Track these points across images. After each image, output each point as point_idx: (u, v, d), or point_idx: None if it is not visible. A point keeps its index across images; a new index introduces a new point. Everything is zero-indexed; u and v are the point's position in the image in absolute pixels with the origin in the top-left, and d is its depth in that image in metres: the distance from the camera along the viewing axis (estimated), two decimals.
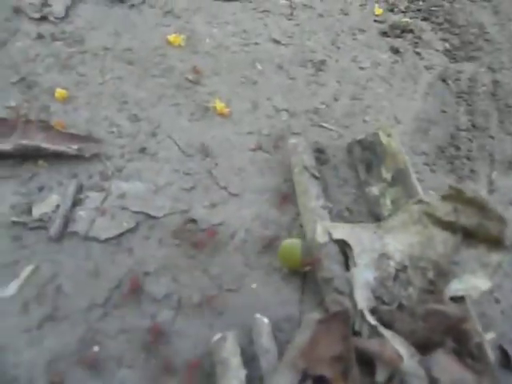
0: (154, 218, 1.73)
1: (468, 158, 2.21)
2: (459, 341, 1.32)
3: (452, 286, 1.40)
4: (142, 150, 1.93)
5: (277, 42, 2.52)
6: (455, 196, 1.50)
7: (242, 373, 1.35)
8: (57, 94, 2.03)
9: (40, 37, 2.33)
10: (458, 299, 1.40)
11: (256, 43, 2.49)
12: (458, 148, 2.25)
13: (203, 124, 2.07)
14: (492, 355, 1.33)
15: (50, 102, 2.04)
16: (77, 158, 1.85)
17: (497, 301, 1.71)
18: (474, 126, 2.39)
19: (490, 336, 1.40)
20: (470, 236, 1.46)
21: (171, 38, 2.36)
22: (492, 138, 2.35)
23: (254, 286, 1.61)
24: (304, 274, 1.63)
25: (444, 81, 2.55)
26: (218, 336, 1.43)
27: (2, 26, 2.37)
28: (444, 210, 1.50)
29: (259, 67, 2.37)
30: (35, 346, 1.44)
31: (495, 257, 1.41)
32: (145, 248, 1.66)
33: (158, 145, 1.96)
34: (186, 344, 1.47)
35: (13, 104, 2.02)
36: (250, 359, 1.42)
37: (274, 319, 1.52)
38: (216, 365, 1.38)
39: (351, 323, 1.40)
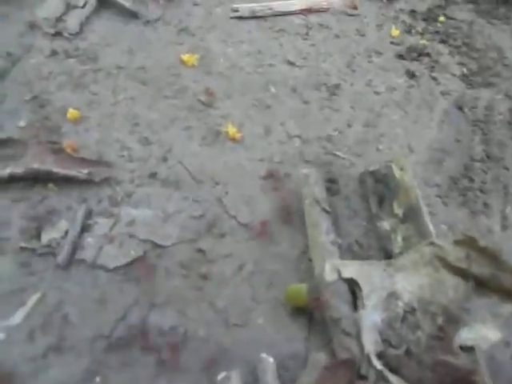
0: (161, 246, 1.73)
1: (481, 191, 2.18)
2: None
3: (462, 335, 1.38)
4: (153, 176, 1.92)
5: (291, 63, 2.50)
6: (468, 242, 1.47)
7: None
8: (69, 115, 2.03)
9: (54, 53, 2.34)
10: (467, 348, 1.38)
11: (270, 64, 2.47)
12: (471, 180, 2.21)
13: (214, 149, 2.06)
14: None
15: (61, 122, 2.04)
16: (87, 182, 1.85)
17: (507, 344, 1.69)
18: (488, 156, 2.35)
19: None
20: (481, 285, 1.44)
21: (185, 57, 2.35)
22: (507, 169, 2.31)
23: (260, 321, 1.60)
24: (311, 312, 1.62)
25: (460, 108, 2.51)
26: (222, 375, 1.42)
27: (16, 41, 2.38)
28: (456, 256, 1.47)
29: (273, 90, 2.35)
30: (40, 375, 1.45)
31: (507, 308, 1.38)
32: (155, 281, 1.65)
33: (169, 170, 1.95)
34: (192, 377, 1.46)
35: (24, 124, 2.02)
36: None
37: (280, 356, 1.50)
38: None
39: (357, 367, 1.38)
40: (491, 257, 1.43)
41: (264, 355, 1.46)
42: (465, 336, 1.38)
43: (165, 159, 1.98)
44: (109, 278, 1.63)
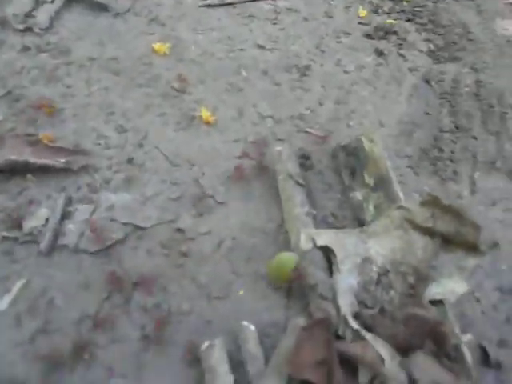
0: (142, 228, 1.77)
1: (451, 160, 2.25)
2: (437, 343, 1.37)
3: (431, 290, 1.45)
4: (130, 161, 1.96)
5: (262, 47, 2.55)
6: (433, 202, 1.54)
7: (230, 379, 1.39)
8: (43, 104, 2.05)
9: (25, 49, 2.36)
10: (436, 302, 1.45)
11: (241, 49, 2.52)
12: (441, 150, 2.28)
13: (189, 133, 2.11)
14: (469, 356, 1.38)
15: (36, 115, 2.07)
16: (65, 171, 1.88)
17: (477, 300, 1.77)
18: (457, 127, 2.43)
19: (467, 338, 1.45)
20: (447, 241, 1.51)
21: (156, 46, 2.39)
22: (475, 138, 2.39)
23: (241, 293, 1.66)
24: (290, 282, 1.68)
25: (428, 82, 2.59)
26: (206, 344, 1.48)
27: None
28: (423, 216, 1.54)
29: (244, 74, 2.40)
30: (29, 358, 1.48)
31: (471, 261, 1.46)
32: (134, 258, 1.70)
33: (146, 155, 2.00)
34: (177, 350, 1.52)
35: (0, 118, 2.05)
36: (237, 365, 1.46)
37: (261, 325, 1.56)
38: (205, 372, 1.43)
39: (335, 328, 1.44)
40: (454, 214, 1.51)
41: (245, 323, 1.52)
42: (434, 291, 1.45)
43: (141, 145, 2.02)
44: (91, 261, 1.68)
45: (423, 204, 1.55)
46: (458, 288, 1.44)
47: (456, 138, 2.37)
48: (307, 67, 2.48)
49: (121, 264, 1.67)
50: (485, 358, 1.62)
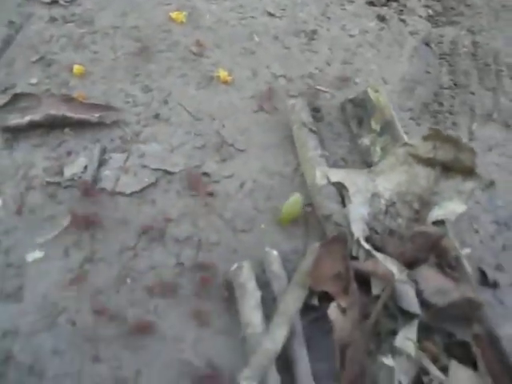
0: (171, 173, 1.96)
1: (450, 113, 2.43)
2: (440, 256, 1.55)
3: (433, 213, 1.64)
4: (156, 116, 2.14)
5: (271, 14, 2.72)
6: (434, 136, 1.72)
7: (258, 294, 1.58)
8: (75, 70, 2.23)
9: (53, 20, 2.53)
10: (439, 223, 1.63)
11: (252, 17, 2.69)
12: (441, 104, 2.46)
13: (209, 91, 2.29)
14: (468, 266, 1.57)
15: (68, 78, 2.25)
16: (99, 125, 2.07)
17: (476, 231, 1.95)
18: (455, 84, 2.60)
19: (465, 251, 1.63)
20: (447, 169, 1.69)
21: (174, 15, 2.56)
22: (473, 94, 2.57)
23: (262, 226, 1.85)
24: (306, 215, 1.86)
25: (427, 44, 2.76)
26: (235, 266, 1.66)
27: (16, 11, 2.56)
28: (425, 149, 1.72)
29: (256, 39, 2.57)
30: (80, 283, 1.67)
31: (469, 184, 1.64)
32: (165, 199, 1.89)
33: (170, 111, 2.18)
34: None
35: (35, 81, 2.23)
36: (263, 285, 1.65)
37: (282, 253, 1.75)
38: (235, 289, 1.62)
39: (349, 249, 1.63)
40: (453, 142, 1.68)
41: (268, 249, 1.72)
42: (436, 213, 1.64)
43: (166, 102, 2.20)
44: (128, 201, 1.87)
45: (425, 138, 1.73)
46: (457, 209, 1.63)
47: (455, 94, 2.54)
48: (314, 32, 2.66)
49: (154, 204, 1.87)
50: (483, 278, 1.82)
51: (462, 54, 2.76)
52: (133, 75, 2.29)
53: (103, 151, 1.99)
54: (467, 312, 1.45)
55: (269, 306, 1.59)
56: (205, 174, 1.97)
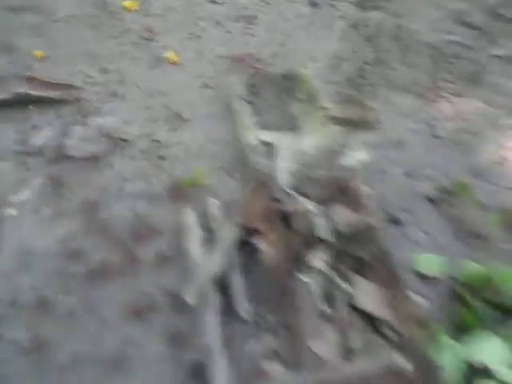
0: (125, 140, 2.27)
1: (371, 85, 2.80)
2: (348, 194, 1.91)
3: (344, 162, 2.00)
4: (113, 94, 2.45)
5: (214, 2, 3.03)
6: (345, 100, 2.08)
7: (200, 233, 1.92)
8: (36, 54, 2.50)
9: (13, 8, 2.78)
10: (348, 169, 2.00)
11: (198, 4, 3.00)
12: (363, 78, 2.82)
13: (159, 72, 2.60)
14: (370, 202, 1.93)
15: (31, 62, 2.52)
16: (60, 102, 2.35)
17: (385, 180, 2.32)
18: (378, 61, 2.97)
19: (368, 191, 1.99)
20: (355, 125, 2.05)
21: (127, 4, 2.85)
22: (393, 69, 2.94)
23: (207, 182, 2.17)
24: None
25: (355, 27, 3.12)
26: (182, 211, 1.98)
27: None
28: (337, 111, 2.08)
29: (201, 24, 2.89)
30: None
31: (370, 137, 2.01)
32: (121, 162, 2.19)
33: (125, 89, 2.48)
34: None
35: None
36: (205, 227, 1.98)
37: (222, 201, 2.08)
38: (182, 230, 1.94)
39: (275, 194, 1.96)
40: (360, 104, 2.05)
41: (210, 198, 2.04)
42: (346, 162, 1.99)
43: (121, 81, 2.50)
44: (89, 165, 2.16)
45: (338, 102, 2.09)
46: (361, 157, 1.99)
47: (377, 70, 2.91)
48: (254, 17, 2.98)
49: (112, 167, 2.17)
50: (388, 217, 2.19)
51: (386, 35, 3.13)
52: (91, 59, 2.58)
53: (66, 125, 2.28)
54: (366, 236, 1.81)
55: (210, 242, 1.93)
56: (156, 141, 2.28)
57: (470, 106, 2.86)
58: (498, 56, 3.19)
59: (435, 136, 2.60)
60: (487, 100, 2.92)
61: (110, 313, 1.78)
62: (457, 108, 2.82)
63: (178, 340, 1.72)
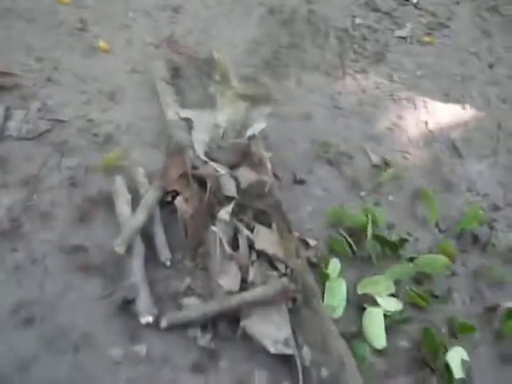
0: (63, 121, 2.57)
1: (285, 66, 3.18)
2: (251, 158, 2.29)
3: (248, 131, 2.38)
4: (49, 80, 2.75)
5: None
6: (248, 80, 2.45)
7: (128, 196, 2.26)
8: None
9: None
10: (252, 138, 2.38)
11: None
12: (278, 60, 3.20)
13: (92, 59, 2.92)
14: (268, 163, 2.32)
15: None
16: (1, 88, 2.62)
17: (294, 149, 2.72)
18: (292, 44, 3.34)
19: (268, 154, 2.38)
20: (255, 100, 2.43)
21: None
22: (305, 52, 3.33)
23: (135, 156, 2.50)
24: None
25: (272, 13, 3.48)
26: (112, 179, 2.31)
27: None
28: (242, 90, 2.45)
29: (131, 15, 3.19)
30: None
31: (266, 109, 2.40)
32: (61, 139, 2.50)
33: (60, 76, 2.79)
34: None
35: None
36: (133, 191, 2.32)
37: (148, 170, 2.42)
38: (112, 195, 2.27)
39: (191, 161, 2.32)
40: (259, 84, 2.43)
41: (137, 167, 2.37)
42: (248, 131, 2.38)
43: (56, 69, 2.80)
44: (30, 144, 2.46)
45: (242, 82, 2.46)
46: (260, 126, 2.38)
47: (291, 52, 3.30)
48: (179, 6, 3.31)
49: (51, 144, 2.47)
50: (294, 178, 2.58)
51: (300, 20, 3.50)
52: (27, 49, 2.86)
53: (7, 109, 2.56)
54: (264, 191, 2.19)
55: (136, 204, 2.27)
56: (90, 120, 2.60)
57: (373, 81, 3.29)
58: (401, 37, 3.65)
59: (338, 108, 3.01)
60: (389, 76, 3.37)
61: (52, 265, 2.11)
62: (360, 83, 3.24)
63: (110, 283, 2.07)
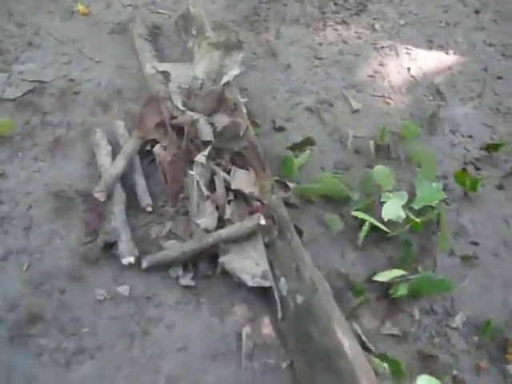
0: (45, 82, 2.63)
1: (265, 20, 3.19)
2: (226, 104, 2.32)
3: (223, 79, 2.41)
4: (30, 44, 2.80)
5: None
6: (218, 27, 2.48)
7: (109, 148, 2.31)
8: None
9: None
10: (227, 85, 2.41)
11: None
12: (258, 15, 3.21)
13: (71, 22, 2.96)
14: (244, 108, 2.36)
15: None
16: None
17: (274, 98, 2.75)
18: None
19: (243, 100, 2.41)
20: (227, 48, 2.45)
21: None
22: (285, 5, 3.32)
23: (115, 109, 2.55)
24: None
25: None
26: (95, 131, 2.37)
27: None
28: (215, 38, 2.47)
29: None
30: None
31: (239, 54, 2.42)
32: (41, 100, 2.56)
33: (41, 39, 2.84)
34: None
35: None
36: (114, 144, 2.37)
37: (129, 124, 2.46)
38: (93, 146, 2.32)
39: (169, 110, 2.35)
40: (228, 29, 2.45)
41: (117, 121, 2.42)
42: (224, 79, 2.41)
43: (37, 33, 2.86)
44: (13, 104, 2.52)
45: (213, 30, 2.48)
46: (234, 72, 2.41)
47: (271, 7, 3.30)
48: None
49: (33, 104, 2.53)
50: (275, 126, 2.61)
51: None
52: (8, 16, 2.91)
53: None
54: (237, 132, 2.23)
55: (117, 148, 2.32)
56: (71, 80, 2.65)
57: (354, 32, 3.28)
58: None
59: (318, 58, 3.02)
60: (371, 26, 3.36)
61: (37, 215, 2.18)
62: (341, 34, 3.24)
63: (92, 228, 2.14)
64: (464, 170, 2.48)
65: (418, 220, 2.16)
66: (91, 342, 1.85)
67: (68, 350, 1.83)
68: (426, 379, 1.75)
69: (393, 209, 2.15)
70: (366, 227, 2.14)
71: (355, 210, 2.19)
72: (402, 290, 2.01)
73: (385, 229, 2.16)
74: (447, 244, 2.23)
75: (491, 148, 2.71)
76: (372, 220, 2.13)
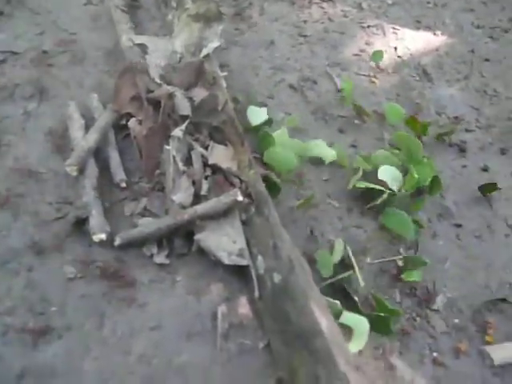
0: (17, 53, 2.52)
1: (251, 4, 3.09)
2: (205, 78, 2.24)
3: (203, 51, 2.33)
4: (1, 13, 2.68)
5: None
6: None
7: (82, 121, 2.21)
8: None
9: None
10: (206, 57, 2.33)
11: None
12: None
13: None
14: (223, 82, 2.27)
15: None
16: None
17: (257, 75, 2.67)
18: None
19: (223, 74, 2.33)
20: (207, 20, 2.36)
21: None
22: None
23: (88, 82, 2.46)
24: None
25: None
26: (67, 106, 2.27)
27: None
28: (194, 9, 2.38)
29: None
30: None
31: (219, 26, 2.34)
32: (14, 71, 2.45)
33: (13, 9, 2.73)
34: None
35: None
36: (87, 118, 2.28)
37: (104, 97, 2.37)
38: (68, 128, 2.23)
39: (145, 84, 2.27)
40: (207, 0, 2.37)
41: (92, 94, 2.33)
42: (203, 51, 2.33)
43: (8, 2, 2.75)
44: None
45: (194, 1, 2.40)
46: (214, 45, 2.33)
47: None
48: None
49: (4, 75, 2.42)
50: (255, 102, 2.53)
51: None
52: None
53: None
54: (216, 105, 2.15)
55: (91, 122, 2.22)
56: (44, 51, 2.54)
57: (340, 9, 3.21)
58: None
59: (302, 35, 2.94)
60: (358, 5, 3.29)
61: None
62: (327, 12, 3.16)
63: (63, 203, 2.05)
64: (413, 116, 2.52)
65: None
66: (60, 322, 1.76)
67: (35, 329, 1.76)
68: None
69: (389, 170, 2.18)
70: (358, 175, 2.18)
71: None
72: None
73: (382, 188, 2.14)
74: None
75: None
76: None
